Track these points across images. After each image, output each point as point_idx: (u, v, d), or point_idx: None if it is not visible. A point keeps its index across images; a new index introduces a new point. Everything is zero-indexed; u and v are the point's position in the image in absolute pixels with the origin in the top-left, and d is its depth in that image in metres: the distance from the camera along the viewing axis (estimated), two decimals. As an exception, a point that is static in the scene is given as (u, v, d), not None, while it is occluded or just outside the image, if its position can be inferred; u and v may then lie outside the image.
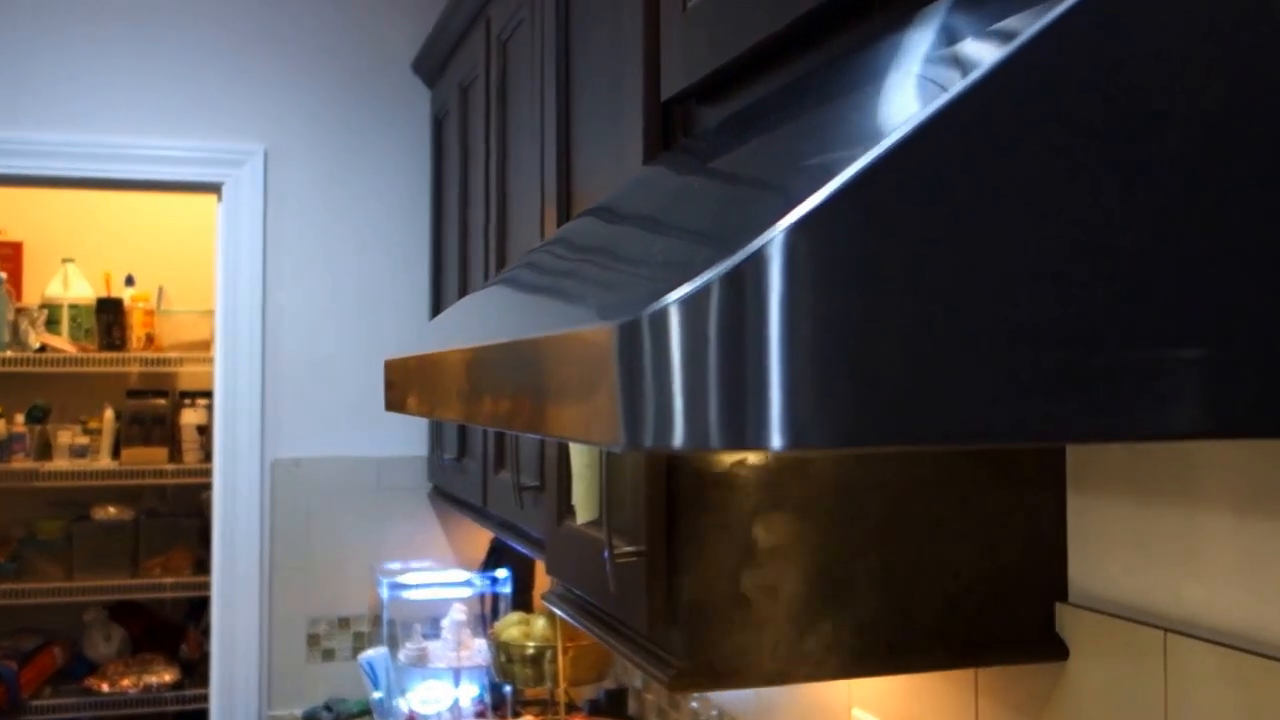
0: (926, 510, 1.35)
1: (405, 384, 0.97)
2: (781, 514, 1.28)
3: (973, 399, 0.46)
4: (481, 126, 2.60)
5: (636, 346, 0.44)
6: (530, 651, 2.42)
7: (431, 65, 3.12)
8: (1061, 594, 1.39)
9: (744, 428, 0.42)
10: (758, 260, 0.43)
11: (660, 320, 0.43)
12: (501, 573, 3.04)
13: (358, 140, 3.25)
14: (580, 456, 1.42)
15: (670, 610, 1.25)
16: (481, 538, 3.28)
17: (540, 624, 2.42)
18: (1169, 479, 1.24)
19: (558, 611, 1.63)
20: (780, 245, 0.43)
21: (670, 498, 1.27)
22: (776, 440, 0.42)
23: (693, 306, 0.43)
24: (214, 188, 3.13)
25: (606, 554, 1.28)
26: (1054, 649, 1.38)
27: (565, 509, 1.61)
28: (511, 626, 2.46)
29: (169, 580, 4.36)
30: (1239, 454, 1.15)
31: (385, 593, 2.94)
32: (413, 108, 3.30)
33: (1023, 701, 1.44)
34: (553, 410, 0.54)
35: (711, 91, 1.16)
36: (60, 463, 4.29)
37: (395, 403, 1.03)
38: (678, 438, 0.43)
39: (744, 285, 0.43)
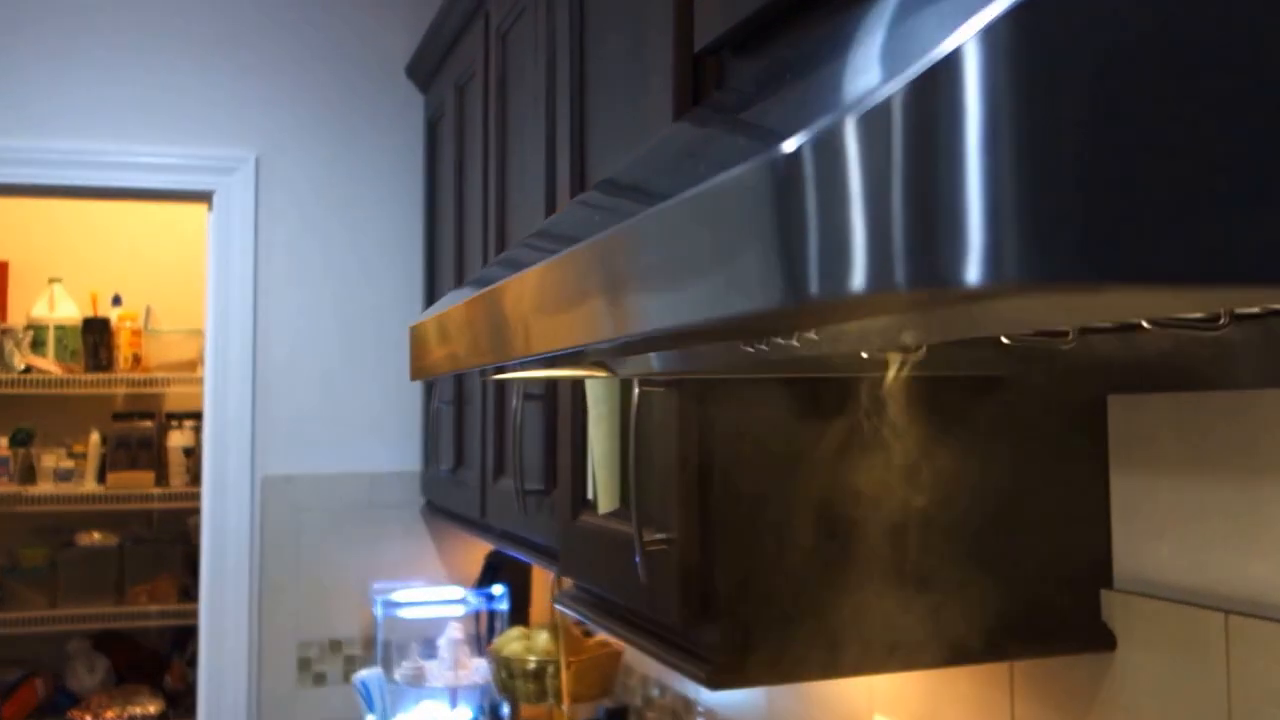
0: (958, 496, 1.29)
1: (449, 337, 0.90)
2: (819, 498, 1.22)
3: (1211, 229, 0.38)
4: (479, 125, 2.54)
5: (797, 179, 0.37)
6: (532, 666, 2.34)
7: (426, 68, 3.07)
8: (1106, 580, 1.33)
9: (936, 259, 0.34)
10: (954, 61, 0.35)
11: (832, 142, 0.36)
12: (498, 589, 2.96)
13: (350, 147, 3.19)
14: (600, 444, 1.36)
15: (706, 600, 1.18)
16: (476, 554, 3.20)
17: (543, 638, 2.34)
18: (1225, 447, 1.18)
19: (572, 614, 1.56)
20: (982, 43, 0.36)
21: (703, 481, 1.20)
22: (973, 273, 0.34)
23: (873, 122, 0.35)
24: (204, 196, 3.05)
25: (636, 543, 1.21)
26: (1100, 638, 1.32)
27: (581, 504, 1.54)
28: (513, 641, 2.38)
29: (155, 608, 4.26)
30: (1308, 420, 1.09)
31: (380, 611, 2.85)
32: (406, 113, 3.24)
33: (1065, 698, 1.37)
34: (683, 293, 0.46)
35: (748, 39, 1.10)
36: (44, 487, 4.19)
37: (430, 365, 0.95)
38: (856, 279, 0.36)
39: (937, 90, 0.35)
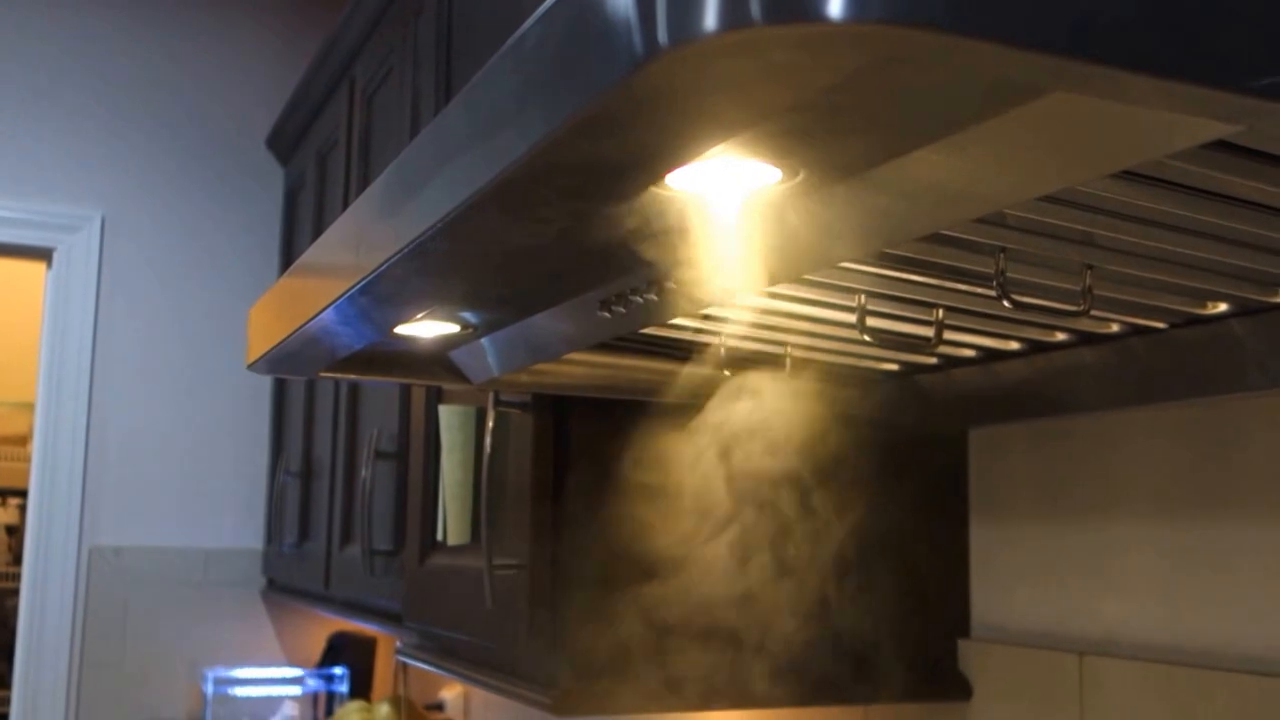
0: (822, 543, 1.27)
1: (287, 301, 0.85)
2: (674, 530, 1.19)
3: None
4: (340, 192, 2.49)
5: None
6: (372, 743, 2.23)
7: (288, 138, 3.01)
8: (964, 629, 1.32)
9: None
10: None
11: None
12: (338, 670, 2.83)
13: (204, 213, 3.09)
14: (452, 473, 1.30)
15: (553, 626, 1.13)
16: (317, 637, 3.06)
17: (384, 711, 2.24)
18: (1082, 494, 1.18)
19: (415, 663, 1.49)
20: None
21: (557, 505, 1.16)
22: (836, 6, 0.32)
23: None
24: (43, 254, 2.91)
25: (485, 569, 1.15)
26: (956, 688, 1.30)
27: (430, 547, 1.48)
28: (352, 714, 2.26)
29: (-38, 697, 3.97)
30: (1158, 455, 1.10)
31: (210, 689, 2.69)
32: (265, 183, 3.16)
33: (920, 749, 1.35)
34: (509, 128, 0.43)
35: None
36: None
37: (265, 342, 0.89)
38: (709, 17, 0.33)
39: None
